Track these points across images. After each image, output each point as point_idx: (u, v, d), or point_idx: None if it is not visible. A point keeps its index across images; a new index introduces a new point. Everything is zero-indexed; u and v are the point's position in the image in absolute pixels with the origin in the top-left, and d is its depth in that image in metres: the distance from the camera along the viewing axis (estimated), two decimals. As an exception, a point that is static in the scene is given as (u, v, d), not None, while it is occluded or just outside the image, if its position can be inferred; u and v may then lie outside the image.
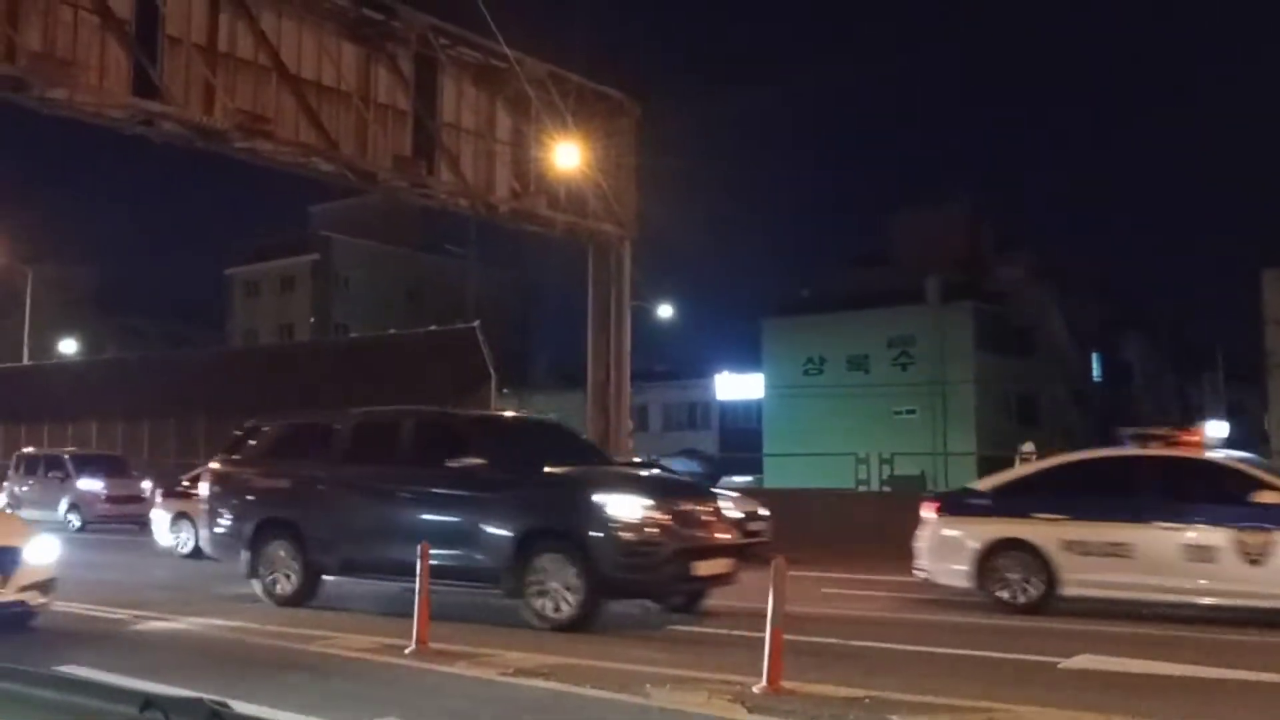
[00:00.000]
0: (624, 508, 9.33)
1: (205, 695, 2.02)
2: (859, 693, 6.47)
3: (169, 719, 1.90)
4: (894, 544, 12.92)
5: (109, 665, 7.08)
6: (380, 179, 20.46)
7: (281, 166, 19.44)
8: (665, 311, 32.93)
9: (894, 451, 31.86)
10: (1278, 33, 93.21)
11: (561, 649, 8.19)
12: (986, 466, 40.44)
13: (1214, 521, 9.94)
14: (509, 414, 12.05)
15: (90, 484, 24.48)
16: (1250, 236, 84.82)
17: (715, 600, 10.46)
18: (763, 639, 6.52)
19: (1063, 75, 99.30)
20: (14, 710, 2.08)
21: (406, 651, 7.85)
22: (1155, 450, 10.93)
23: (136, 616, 10.05)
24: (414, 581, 8.21)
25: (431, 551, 8.42)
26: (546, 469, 10.11)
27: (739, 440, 49.47)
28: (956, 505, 11.82)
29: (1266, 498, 9.85)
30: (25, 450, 27.63)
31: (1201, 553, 9.91)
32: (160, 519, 18.20)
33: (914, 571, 11.66)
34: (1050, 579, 10.56)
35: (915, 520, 11.78)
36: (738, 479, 29.45)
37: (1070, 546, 10.48)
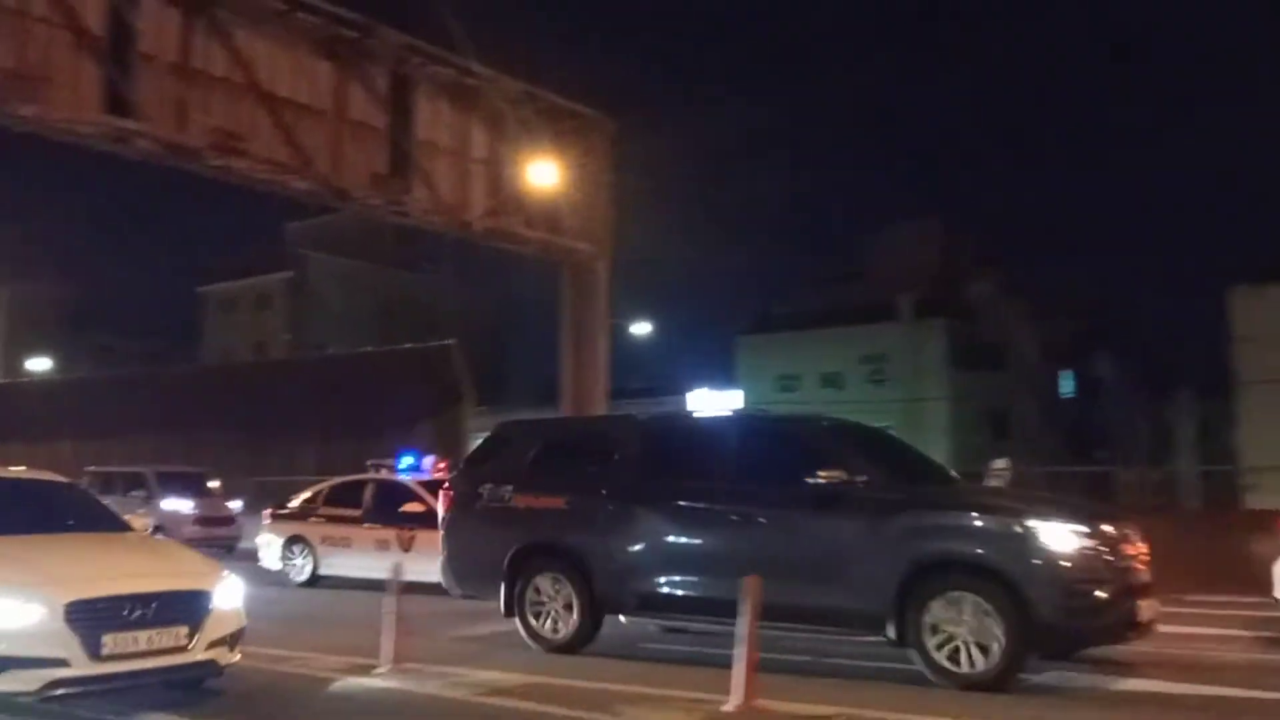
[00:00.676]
0: (1060, 536, 7.52)
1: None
2: (833, 710, 6.49)
3: None
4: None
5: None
6: (355, 197, 20.43)
7: (256, 184, 19.38)
8: (642, 329, 32.95)
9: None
10: (1246, 51, 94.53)
11: (538, 667, 8.16)
12: (960, 483, 40.62)
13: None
14: (845, 420, 10.00)
15: (178, 504, 22.36)
16: (1219, 255, 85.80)
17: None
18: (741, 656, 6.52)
19: (1037, 94, 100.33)
20: None
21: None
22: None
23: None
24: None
25: (775, 587, 7.00)
26: (938, 486, 8.74)
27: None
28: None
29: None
30: (95, 467, 25.01)
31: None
32: (270, 543, 16.36)
33: None
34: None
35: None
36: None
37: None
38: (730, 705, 6.46)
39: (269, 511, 16.84)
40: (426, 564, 11.38)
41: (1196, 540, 14.09)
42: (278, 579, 15.53)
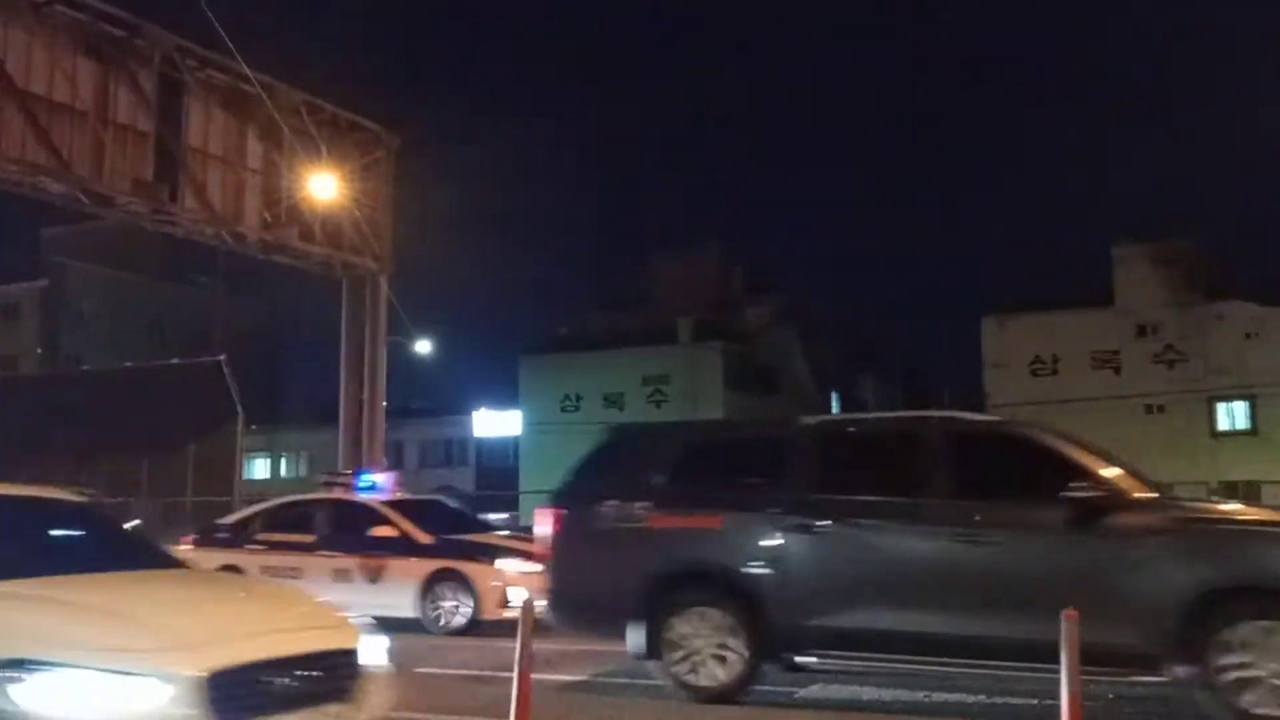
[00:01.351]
0: None
1: None
2: None
3: None
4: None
5: None
6: (117, 203, 19.43)
7: (5, 186, 18.16)
8: (424, 347, 32.51)
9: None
10: (1017, 95, 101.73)
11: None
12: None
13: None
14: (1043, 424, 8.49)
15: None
16: (973, 287, 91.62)
17: (474, 639, 10.36)
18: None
19: (812, 126, 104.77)
20: None
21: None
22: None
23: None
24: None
25: (1026, 621, 6.13)
26: (1189, 501, 7.61)
27: (495, 478, 49.29)
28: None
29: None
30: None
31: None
32: None
33: None
34: None
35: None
36: (494, 517, 29.31)
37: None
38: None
39: (190, 538, 13.97)
40: (398, 597, 11.64)
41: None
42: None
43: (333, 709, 4.65)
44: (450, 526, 12.89)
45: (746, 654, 7.48)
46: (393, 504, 13.09)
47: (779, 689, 7.86)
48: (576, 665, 9.00)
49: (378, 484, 13.89)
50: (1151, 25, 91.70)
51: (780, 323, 50.33)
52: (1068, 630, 5.26)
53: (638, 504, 8.07)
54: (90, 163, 18.39)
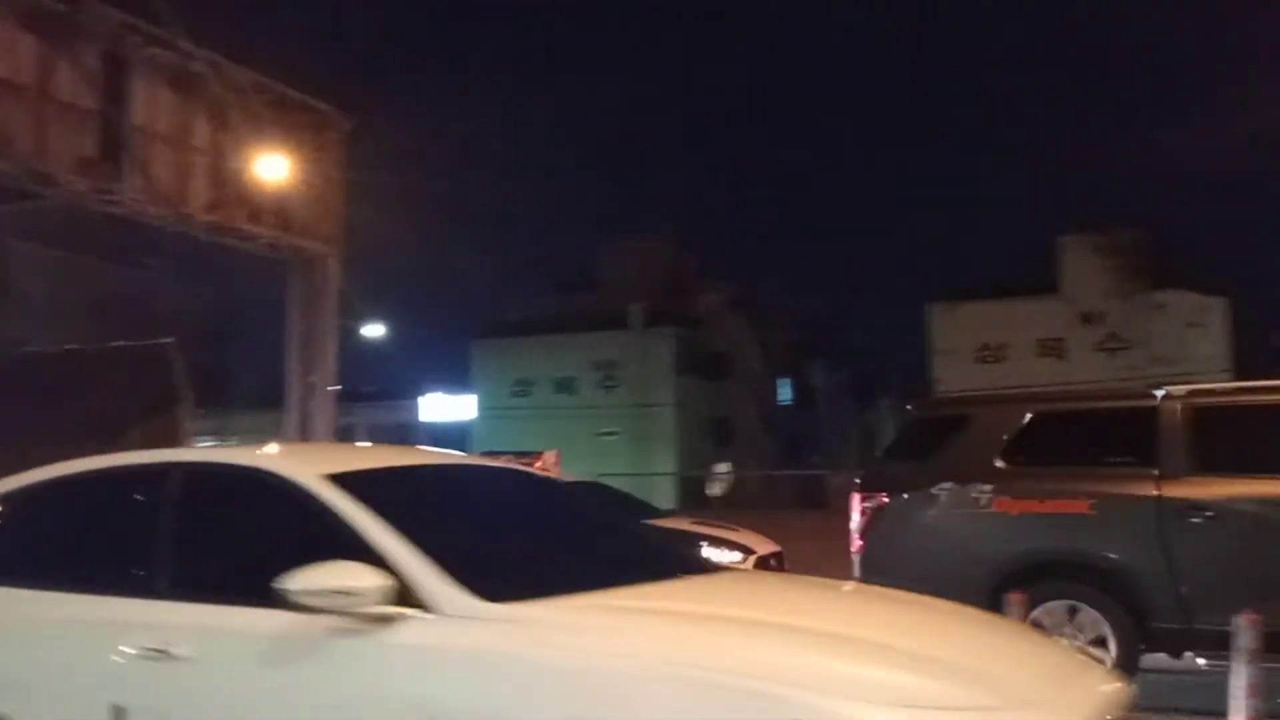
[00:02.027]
0: None
1: None
2: None
3: None
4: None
5: None
6: (60, 181, 19.10)
7: (-57, 163, 17.84)
8: (374, 331, 32.33)
9: (599, 472, 32.64)
10: (967, 84, 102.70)
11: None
12: (686, 486, 42.20)
13: None
14: None
15: None
16: (920, 274, 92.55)
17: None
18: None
19: (764, 113, 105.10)
20: None
21: None
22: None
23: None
24: None
25: None
26: None
27: (446, 462, 49.11)
28: None
29: None
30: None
31: None
32: None
33: None
34: None
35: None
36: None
37: None
38: None
39: None
40: None
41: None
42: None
43: None
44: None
45: (1123, 653, 6.72)
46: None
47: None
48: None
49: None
50: (1100, 17, 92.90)
51: (732, 309, 50.57)
52: None
53: (979, 486, 7.28)
54: (32, 140, 18.08)
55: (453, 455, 5.34)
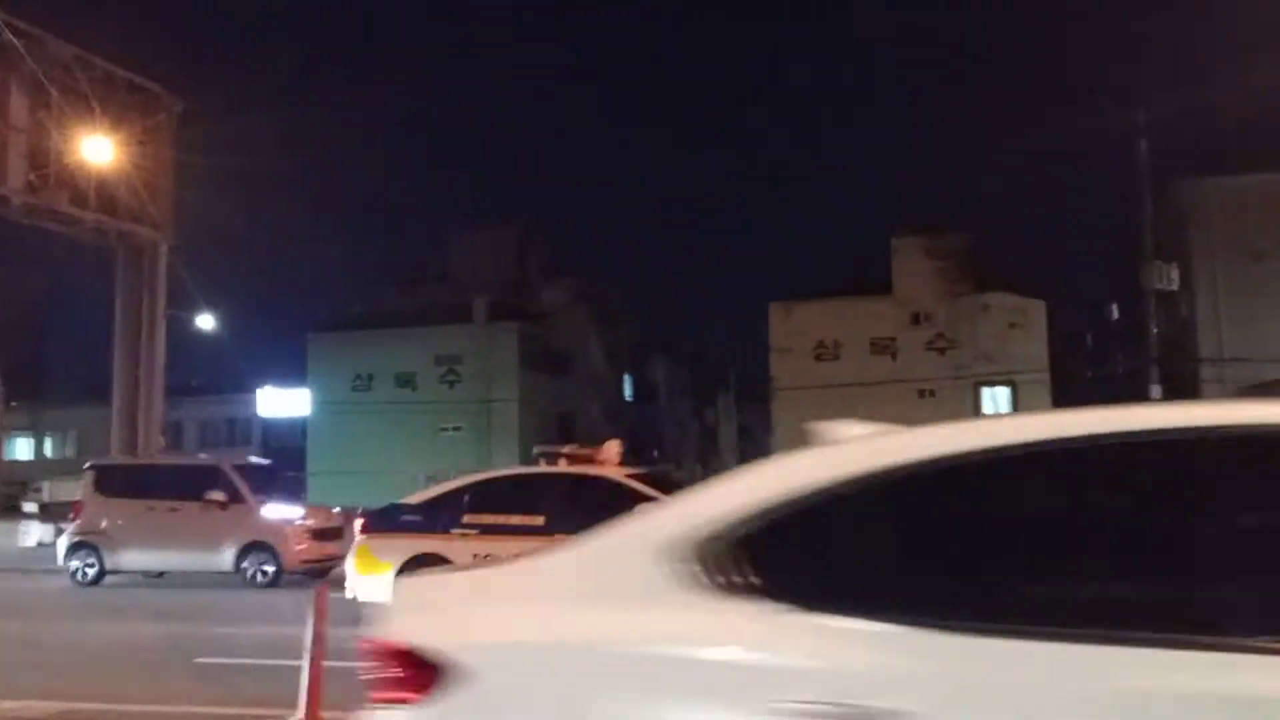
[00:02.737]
0: None
1: None
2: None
3: None
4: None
5: None
6: None
7: None
8: (206, 322, 31.10)
9: (440, 468, 32.20)
10: (807, 88, 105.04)
11: (76, 690, 7.53)
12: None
13: None
14: None
15: (284, 512, 17.10)
16: (760, 274, 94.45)
17: (255, 628, 10.03)
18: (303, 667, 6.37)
19: (613, 113, 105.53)
20: None
21: None
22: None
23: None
24: None
25: None
26: None
27: (282, 458, 47.66)
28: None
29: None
30: (115, 460, 20.35)
31: None
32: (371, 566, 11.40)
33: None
34: None
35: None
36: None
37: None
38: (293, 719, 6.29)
39: (363, 523, 12.01)
40: None
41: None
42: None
43: None
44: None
45: None
46: (645, 479, 11.69)
47: None
48: None
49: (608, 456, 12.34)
50: (933, 23, 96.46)
51: (576, 305, 50.58)
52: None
53: None
54: None
55: None
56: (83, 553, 17.02)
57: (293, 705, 6.36)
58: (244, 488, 16.82)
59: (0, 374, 26.59)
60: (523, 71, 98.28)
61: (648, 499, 10.55)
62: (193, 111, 22.90)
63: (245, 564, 16.27)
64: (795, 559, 2.46)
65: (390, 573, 10.71)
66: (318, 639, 6.37)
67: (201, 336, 31.13)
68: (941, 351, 43.30)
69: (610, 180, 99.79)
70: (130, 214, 21.73)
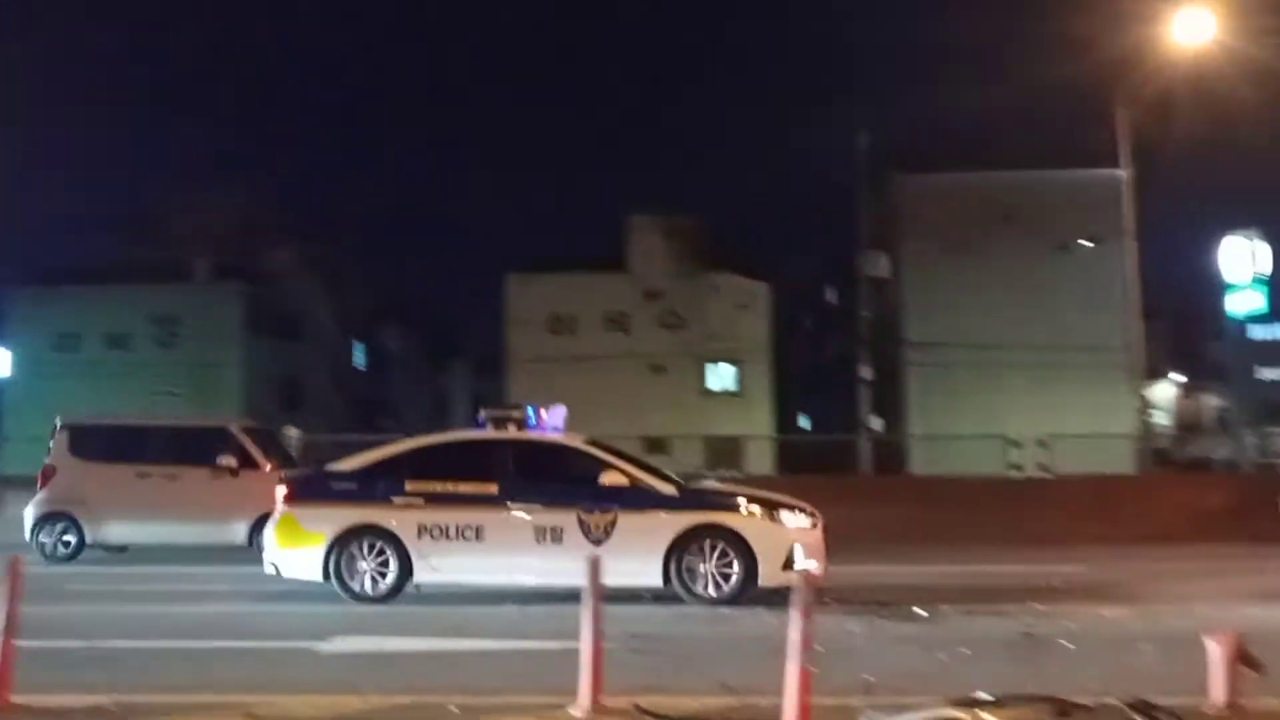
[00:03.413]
0: None
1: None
2: (104, 700, 6.22)
3: None
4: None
5: None
6: None
7: None
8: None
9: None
10: (550, 60, 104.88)
11: None
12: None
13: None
14: None
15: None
16: (499, 244, 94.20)
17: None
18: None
19: (345, 73, 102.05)
20: None
21: None
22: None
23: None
24: None
25: None
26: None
27: (-25, 421, 43.92)
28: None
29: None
30: (93, 419, 17.20)
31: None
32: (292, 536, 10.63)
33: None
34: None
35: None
36: None
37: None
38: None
39: (286, 491, 10.90)
40: (639, 561, 9.94)
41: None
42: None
43: None
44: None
45: None
46: (603, 445, 11.17)
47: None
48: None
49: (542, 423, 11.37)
50: (665, 9, 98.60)
51: (305, 268, 48.91)
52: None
53: None
54: None
55: None
56: (58, 525, 15.27)
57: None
58: (257, 452, 15.55)
59: None
60: (253, 24, 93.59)
61: (609, 466, 10.51)
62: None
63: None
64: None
65: (322, 546, 10.34)
66: (13, 616, 6.00)
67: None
68: (672, 329, 44.60)
69: (348, 144, 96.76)
70: None
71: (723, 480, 13.75)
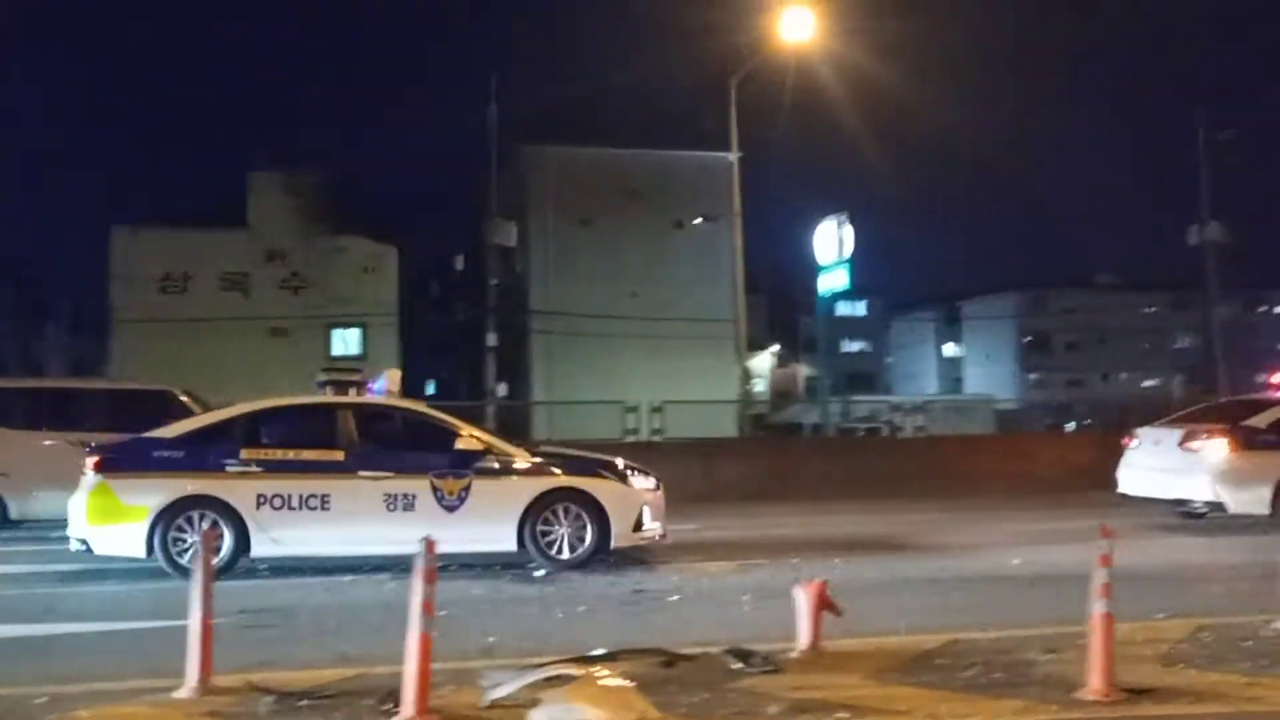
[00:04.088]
0: None
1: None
2: None
3: None
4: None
5: None
6: None
7: None
8: None
9: None
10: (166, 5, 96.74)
11: None
12: None
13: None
14: None
15: None
16: (106, 197, 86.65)
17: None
18: None
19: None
20: None
21: None
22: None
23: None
24: None
25: None
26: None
27: None
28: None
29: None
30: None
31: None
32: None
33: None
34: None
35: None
36: None
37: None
38: None
39: (98, 460, 9.83)
40: (494, 527, 9.82)
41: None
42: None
43: None
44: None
45: None
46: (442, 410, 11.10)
47: None
48: None
49: (376, 385, 11.13)
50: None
51: None
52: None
53: None
54: None
55: None
56: None
57: None
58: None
59: None
60: None
61: (461, 432, 10.24)
62: None
63: None
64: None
65: (146, 520, 9.50)
66: None
67: None
68: (295, 291, 43.14)
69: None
70: None
71: None
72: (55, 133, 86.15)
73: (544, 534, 10.02)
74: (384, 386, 11.23)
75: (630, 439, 21.94)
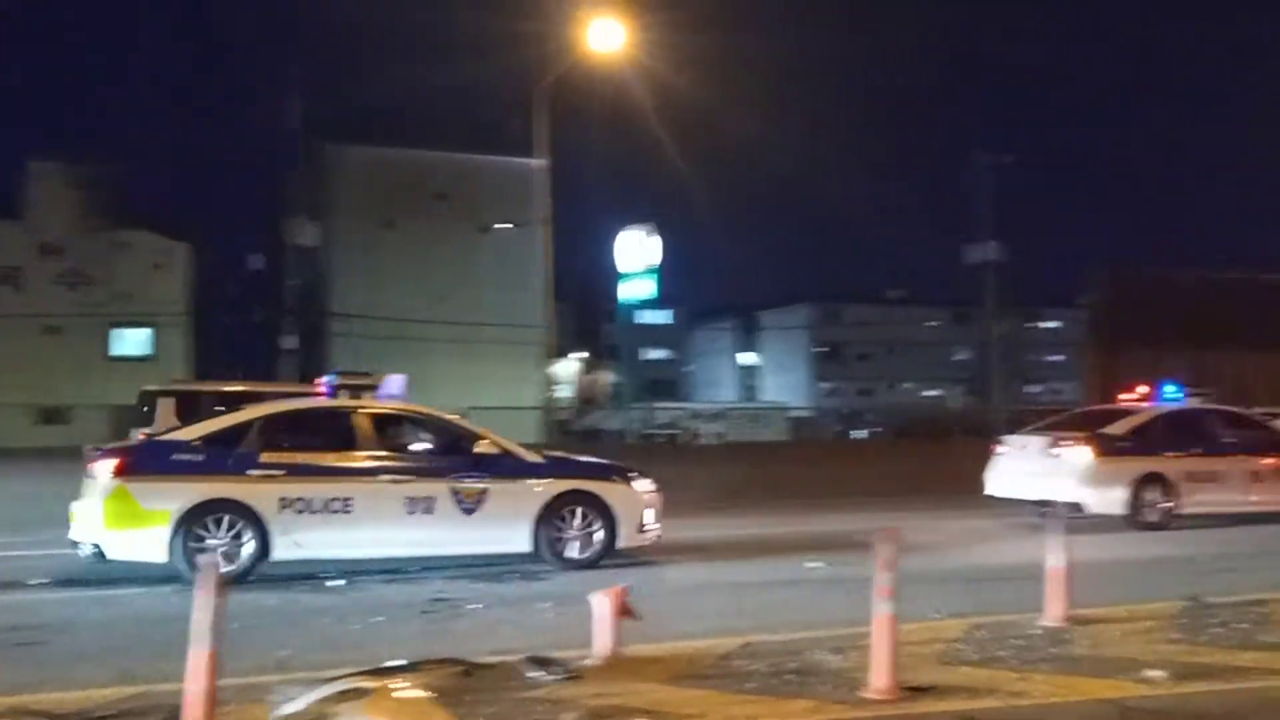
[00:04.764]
0: None
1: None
2: None
3: None
4: None
5: None
6: None
7: None
8: None
9: None
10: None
11: None
12: None
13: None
14: None
15: None
16: None
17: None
18: None
19: None
20: None
21: None
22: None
23: None
24: None
25: None
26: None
27: None
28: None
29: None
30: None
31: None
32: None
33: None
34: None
35: None
36: None
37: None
38: None
39: (107, 458, 9.67)
40: (509, 529, 10.20)
41: None
42: None
43: None
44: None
45: None
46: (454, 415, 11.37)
47: None
48: None
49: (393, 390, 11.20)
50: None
51: None
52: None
53: None
54: None
55: None
56: None
57: None
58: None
59: None
60: None
61: (479, 436, 10.41)
62: None
63: None
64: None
65: (168, 525, 9.25)
66: None
67: None
68: (73, 287, 40.94)
69: None
70: None
71: None
72: None
73: (556, 536, 10.28)
74: (394, 390, 11.31)
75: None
